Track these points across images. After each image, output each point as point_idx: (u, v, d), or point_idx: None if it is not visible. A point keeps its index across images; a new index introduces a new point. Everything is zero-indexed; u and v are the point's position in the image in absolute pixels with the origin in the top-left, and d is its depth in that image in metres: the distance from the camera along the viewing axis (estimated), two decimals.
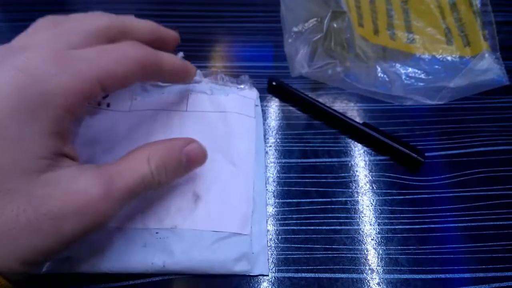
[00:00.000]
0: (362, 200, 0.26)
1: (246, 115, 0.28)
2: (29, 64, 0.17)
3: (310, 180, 0.27)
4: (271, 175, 0.27)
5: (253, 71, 0.32)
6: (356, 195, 0.26)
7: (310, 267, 0.23)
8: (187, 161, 0.21)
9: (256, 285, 0.22)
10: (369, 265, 0.23)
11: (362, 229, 0.25)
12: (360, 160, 0.28)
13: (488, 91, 0.31)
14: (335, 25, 0.32)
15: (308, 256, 0.23)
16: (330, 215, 0.25)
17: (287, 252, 0.23)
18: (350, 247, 0.24)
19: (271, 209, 0.25)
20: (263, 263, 0.23)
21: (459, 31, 0.35)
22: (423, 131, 0.30)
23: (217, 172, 0.25)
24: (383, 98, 0.31)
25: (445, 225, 0.25)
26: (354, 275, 0.23)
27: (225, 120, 0.27)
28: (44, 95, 0.16)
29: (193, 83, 0.30)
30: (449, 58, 0.34)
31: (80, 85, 0.17)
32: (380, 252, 0.24)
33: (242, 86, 0.30)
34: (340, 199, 0.26)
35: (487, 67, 0.32)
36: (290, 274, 0.23)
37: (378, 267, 0.23)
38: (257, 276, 0.23)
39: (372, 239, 0.24)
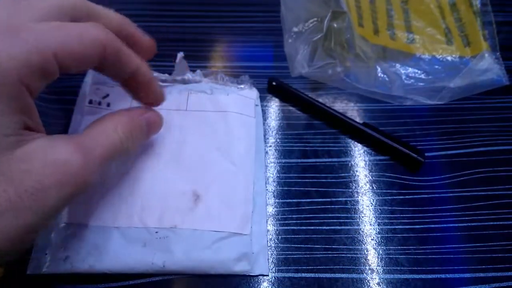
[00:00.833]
0: (362, 200, 0.26)
1: (246, 115, 0.28)
2: None
3: (310, 180, 0.27)
4: (271, 175, 0.27)
5: (253, 71, 0.32)
6: (356, 195, 0.26)
7: (310, 267, 0.23)
8: (147, 127, 0.23)
9: (256, 285, 0.22)
10: (369, 265, 0.23)
11: (362, 229, 0.25)
12: (360, 160, 0.28)
13: (488, 91, 0.31)
14: (335, 25, 0.32)
15: (308, 256, 0.23)
16: (330, 215, 0.25)
17: (287, 252, 0.23)
18: (350, 247, 0.24)
19: (271, 209, 0.25)
20: (263, 263, 0.23)
21: (459, 31, 0.35)
22: (423, 131, 0.30)
23: (217, 172, 0.25)
24: (383, 98, 0.31)
25: (445, 225, 0.25)
26: (354, 275, 0.23)
27: (225, 119, 0.27)
28: None
29: (193, 82, 0.30)
30: (449, 58, 0.34)
31: (32, 58, 0.16)
32: (380, 252, 0.24)
33: (242, 86, 0.30)
34: (340, 199, 0.26)
35: (487, 67, 0.32)
36: (290, 274, 0.23)
37: (378, 267, 0.23)
38: (257, 276, 0.23)
39: (372, 239, 0.24)
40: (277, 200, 0.26)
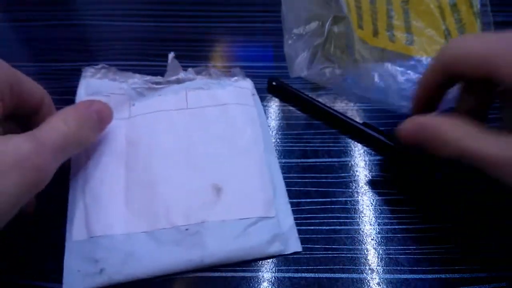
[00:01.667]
0: (362, 200, 0.26)
1: (246, 105, 0.29)
2: None
3: (310, 180, 0.27)
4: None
5: (252, 71, 0.32)
6: (356, 195, 0.26)
7: (310, 267, 0.23)
8: (98, 117, 0.24)
9: (256, 285, 0.22)
10: (369, 265, 0.23)
11: (362, 229, 0.25)
12: (360, 160, 0.28)
13: None
14: (335, 30, 0.32)
15: (308, 256, 0.23)
16: (330, 215, 0.25)
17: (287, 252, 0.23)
18: (350, 247, 0.24)
19: None
20: (294, 241, 0.24)
21: (459, 33, 0.35)
22: None
23: (231, 163, 0.26)
24: (379, 105, 0.31)
25: (445, 225, 0.25)
26: (354, 275, 0.23)
27: (226, 112, 0.28)
28: None
29: (187, 81, 0.30)
30: None
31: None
32: (380, 252, 0.24)
33: (235, 78, 0.31)
34: (340, 199, 0.26)
35: None
36: (290, 274, 0.23)
37: (378, 267, 0.23)
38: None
39: (372, 239, 0.24)
40: None
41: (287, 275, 0.23)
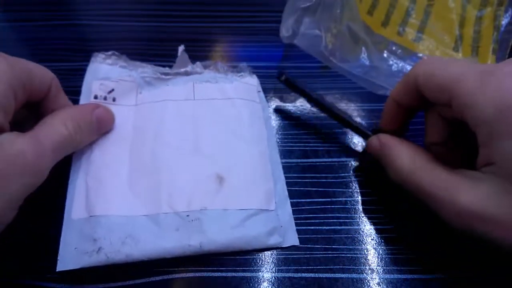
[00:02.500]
0: (362, 200, 0.26)
1: (252, 100, 0.29)
2: None
3: (310, 180, 0.27)
4: None
5: (252, 71, 0.32)
6: (356, 195, 0.26)
7: (310, 267, 0.23)
8: (97, 122, 0.25)
9: (256, 285, 0.22)
10: (369, 265, 0.23)
11: (362, 229, 0.25)
12: (360, 160, 0.28)
13: None
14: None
15: (308, 256, 0.23)
16: (330, 215, 0.25)
17: (287, 252, 0.23)
18: (350, 247, 0.24)
19: None
20: (292, 234, 0.24)
21: (472, 42, 0.34)
22: (423, 131, 0.29)
23: (235, 154, 0.26)
24: (364, 84, 0.31)
25: (445, 225, 0.25)
26: (354, 275, 0.23)
27: (233, 105, 0.29)
28: None
29: (195, 73, 0.30)
30: None
31: (22, 75, 0.21)
32: (380, 252, 0.24)
33: (242, 74, 0.31)
34: (340, 199, 0.26)
35: None
36: (290, 274, 0.23)
37: (378, 267, 0.23)
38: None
39: (372, 239, 0.24)
40: None
41: (287, 275, 0.23)
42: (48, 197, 0.21)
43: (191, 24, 0.37)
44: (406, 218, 0.25)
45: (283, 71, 0.29)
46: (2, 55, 0.20)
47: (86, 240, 0.22)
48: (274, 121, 0.30)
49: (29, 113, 0.24)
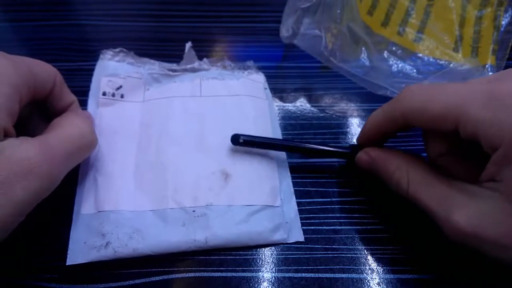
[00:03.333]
0: (362, 200, 0.26)
1: (258, 97, 0.30)
2: None
3: (310, 180, 0.27)
4: None
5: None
6: (356, 195, 0.26)
7: (310, 267, 0.23)
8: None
9: (256, 285, 0.22)
10: (369, 265, 0.23)
11: (362, 229, 0.25)
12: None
13: None
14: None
15: (308, 256, 0.23)
16: (330, 215, 0.25)
17: (287, 252, 0.23)
18: (350, 247, 0.24)
19: None
20: (297, 231, 0.24)
21: (472, 43, 0.34)
22: (419, 131, 0.29)
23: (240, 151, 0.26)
24: (363, 84, 0.32)
25: None
26: (354, 275, 0.23)
27: (239, 102, 0.29)
28: None
29: (202, 70, 0.31)
30: (448, 64, 0.34)
31: (28, 78, 0.21)
32: (380, 252, 0.24)
33: (249, 71, 0.31)
34: (340, 199, 0.26)
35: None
36: (290, 274, 0.23)
37: (378, 267, 0.23)
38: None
39: (372, 239, 0.24)
40: None
41: (287, 275, 0.23)
42: (57, 194, 0.21)
43: (191, 24, 0.37)
44: (406, 218, 0.25)
45: (237, 134, 0.26)
46: (6, 55, 0.20)
47: (95, 235, 0.22)
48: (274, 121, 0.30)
49: (33, 110, 0.23)
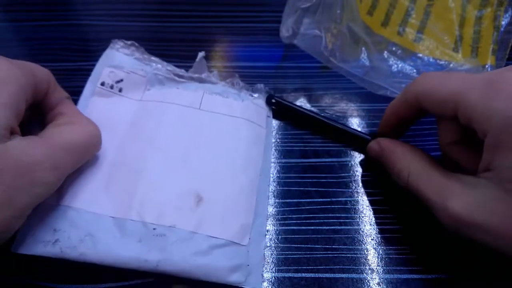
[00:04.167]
0: (362, 200, 0.26)
1: (258, 124, 0.28)
2: None
3: (310, 180, 0.27)
4: (271, 175, 0.27)
5: (252, 71, 0.32)
6: (356, 195, 0.26)
7: (310, 267, 0.23)
8: None
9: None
10: (369, 265, 0.23)
11: (362, 229, 0.25)
12: (360, 160, 0.28)
13: None
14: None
15: (308, 256, 0.23)
16: (330, 215, 0.25)
17: (287, 252, 0.23)
18: (350, 247, 0.24)
19: (271, 209, 0.25)
20: (257, 277, 0.22)
21: (472, 43, 0.34)
22: (424, 131, 0.29)
23: (222, 177, 0.25)
24: (363, 84, 0.32)
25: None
26: (354, 275, 0.23)
27: (236, 125, 0.27)
28: (2, 72, 0.19)
29: (209, 83, 0.30)
30: (448, 64, 0.34)
31: (32, 78, 0.21)
32: (380, 252, 0.24)
33: (256, 95, 0.30)
34: (340, 199, 0.26)
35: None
36: (290, 274, 0.23)
37: (378, 267, 0.23)
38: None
39: (372, 239, 0.24)
40: (277, 200, 0.26)
41: (287, 275, 0.23)
42: None
43: (191, 24, 0.37)
44: (406, 218, 0.25)
45: (271, 94, 0.29)
46: (8, 59, 0.20)
47: (46, 229, 0.21)
48: (274, 121, 0.30)
49: (31, 112, 0.23)
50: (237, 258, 0.22)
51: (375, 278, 0.23)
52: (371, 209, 0.26)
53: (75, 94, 0.28)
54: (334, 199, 0.26)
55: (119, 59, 0.29)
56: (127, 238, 0.22)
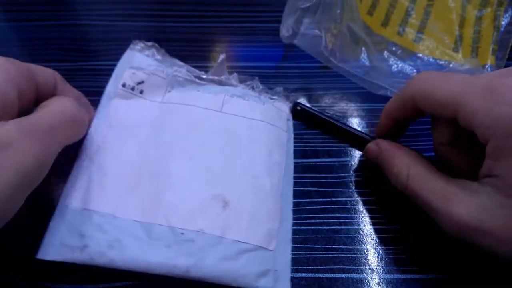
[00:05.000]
0: (362, 200, 0.26)
1: (279, 128, 0.28)
2: None
3: (310, 180, 0.27)
4: None
5: (252, 71, 0.32)
6: (356, 195, 0.26)
7: (310, 267, 0.23)
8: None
9: None
10: (369, 265, 0.23)
11: (362, 229, 0.25)
12: (360, 160, 0.28)
13: None
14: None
15: (308, 256, 0.23)
16: (330, 215, 0.25)
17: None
18: (350, 247, 0.24)
19: None
20: (285, 283, 0.22)
21: (472, 43, 0.34)
22: (424, 130, 0.29)
23: (246, 180, 0.24)
24: (363, 84, 0.32)
25: None
26: (354, 275, 0.23)
27: (257, 128, 0.27)
28: None
29: (229, 85, 0.29)
30: (450, 65, 0.34)
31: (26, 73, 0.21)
32: (380, 252, 0.24)
33: (275, 98, 0.29)
34: (340, 199, 0.26)
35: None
36: (290, 274, 0.23)
37: (378, 267, 0.23)
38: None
39: (372, 239, 0.24)
40: None
41: None
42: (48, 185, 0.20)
43: (191, 24, 0.37)
44: (406, 218, 0.25)
45: (297, 102, 0.30)
46: (5, 57, 0.20)
47: (73, 234, 0.21)
48: None
49: None
50: (264, 263, 0.22)
51: (375, 278, 0.23)
52: (371, 209, 0.26)
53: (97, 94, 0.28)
54: (334, 199, 0.26)
55: (139, 61, 0.29)
56: (155, 243, 0.21)
